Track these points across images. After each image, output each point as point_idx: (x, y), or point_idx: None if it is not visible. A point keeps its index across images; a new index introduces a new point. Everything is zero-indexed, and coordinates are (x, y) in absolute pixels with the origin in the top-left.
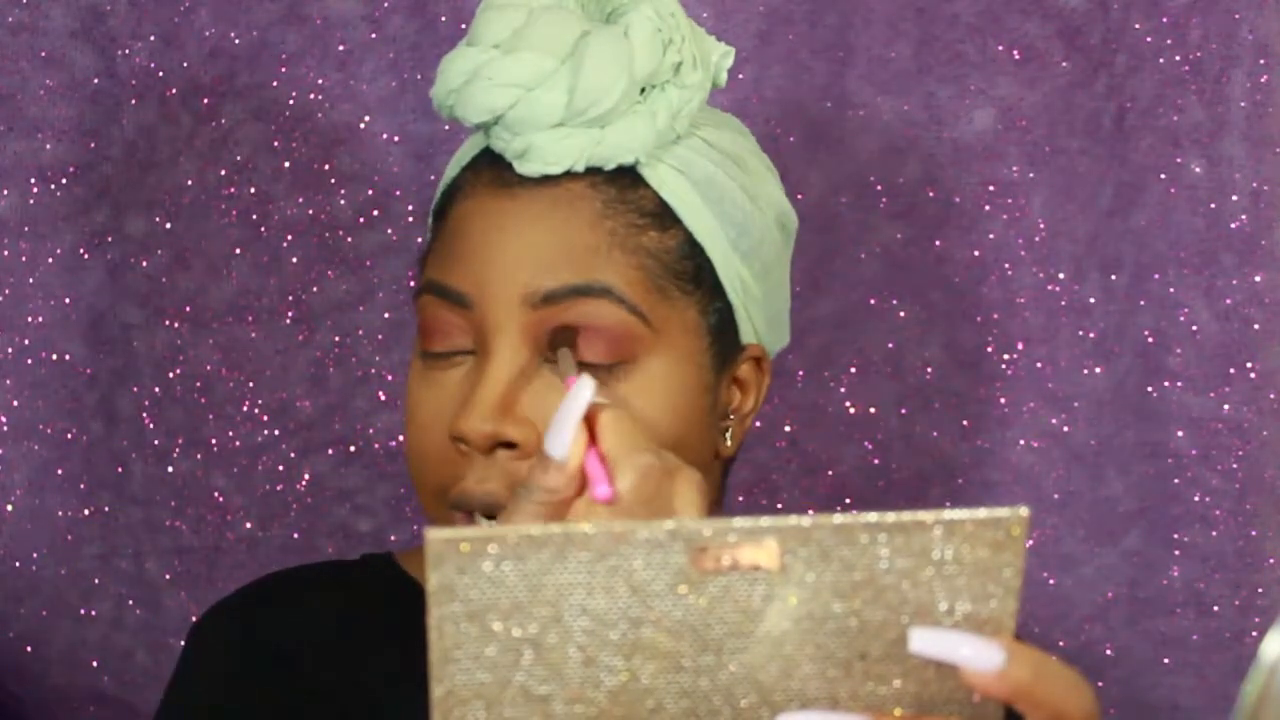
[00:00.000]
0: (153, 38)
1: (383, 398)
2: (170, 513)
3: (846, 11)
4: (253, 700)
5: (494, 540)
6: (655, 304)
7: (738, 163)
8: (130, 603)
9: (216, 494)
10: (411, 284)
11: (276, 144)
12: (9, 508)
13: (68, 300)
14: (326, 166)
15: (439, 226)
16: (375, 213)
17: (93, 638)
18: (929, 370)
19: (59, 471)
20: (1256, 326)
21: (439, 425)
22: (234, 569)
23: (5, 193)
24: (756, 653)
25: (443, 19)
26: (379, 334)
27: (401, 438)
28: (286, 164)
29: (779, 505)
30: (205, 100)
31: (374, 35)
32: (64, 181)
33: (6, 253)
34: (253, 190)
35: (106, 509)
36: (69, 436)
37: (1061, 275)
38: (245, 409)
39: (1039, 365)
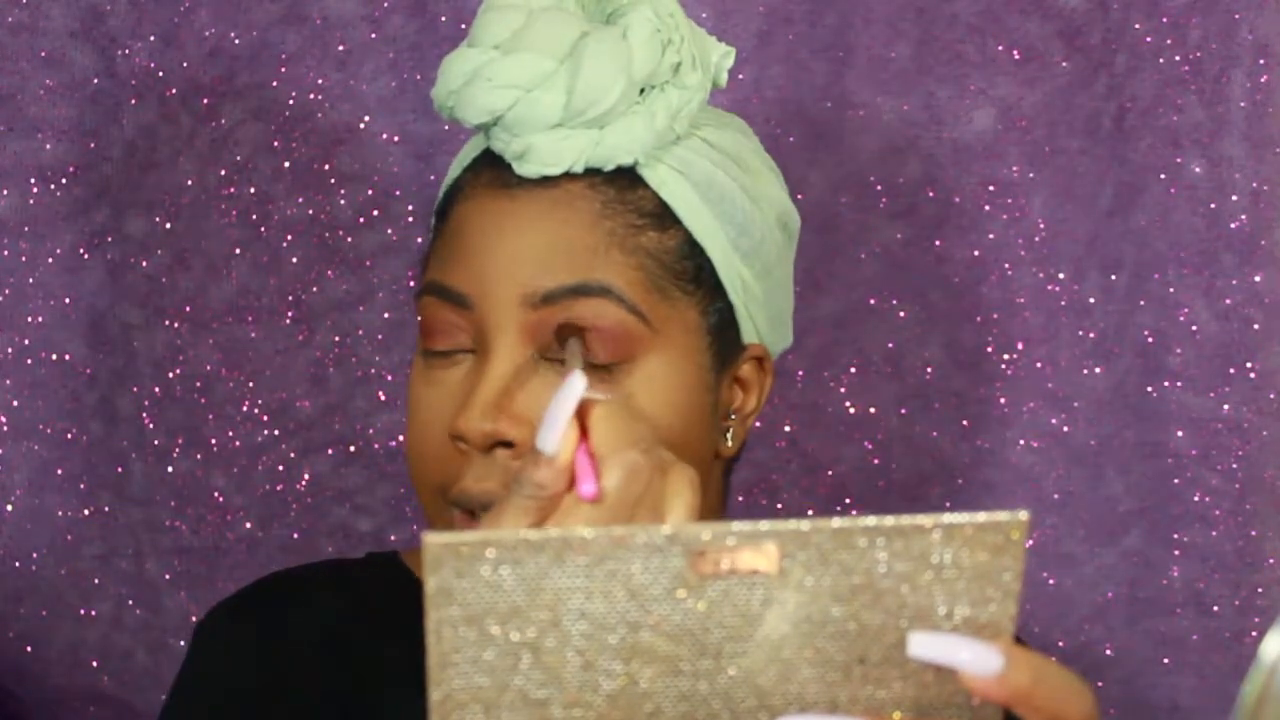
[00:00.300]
0: (153, 38)
1: (383, 398)
2: (170, 513)
3: (846, 11)
4: (255, 700)
5: (492, 544)
6: (654, 304)
7: (738, 163)
8: (130, 603)
9: (216, 494)
10: (411, 284)
11: (276, 144)
12: (9, 508)
13: (68, 300)
14: (326, 166)
15: (440, 227)
16: (375, 213)
17: (93, 638)
18: (929, 370)
19: (59, 471)
20: (1256, 326)
21: (439, 424)
22: (234, 569)
23: (5, 193)
24: (755, 657)
25: (443, 19)
26: (379, 334)
27: (401, 438)
28: (286, 164)
29: (779, 505)
30: (205, 100)
31: (374, 35)
32: (64, 181)
33: (6, 253)
34: (253, 190)
35: (106, 509)
36: (69, 436)
37: (1061, 275)
38: (245, 409)
39: (1039, 365)
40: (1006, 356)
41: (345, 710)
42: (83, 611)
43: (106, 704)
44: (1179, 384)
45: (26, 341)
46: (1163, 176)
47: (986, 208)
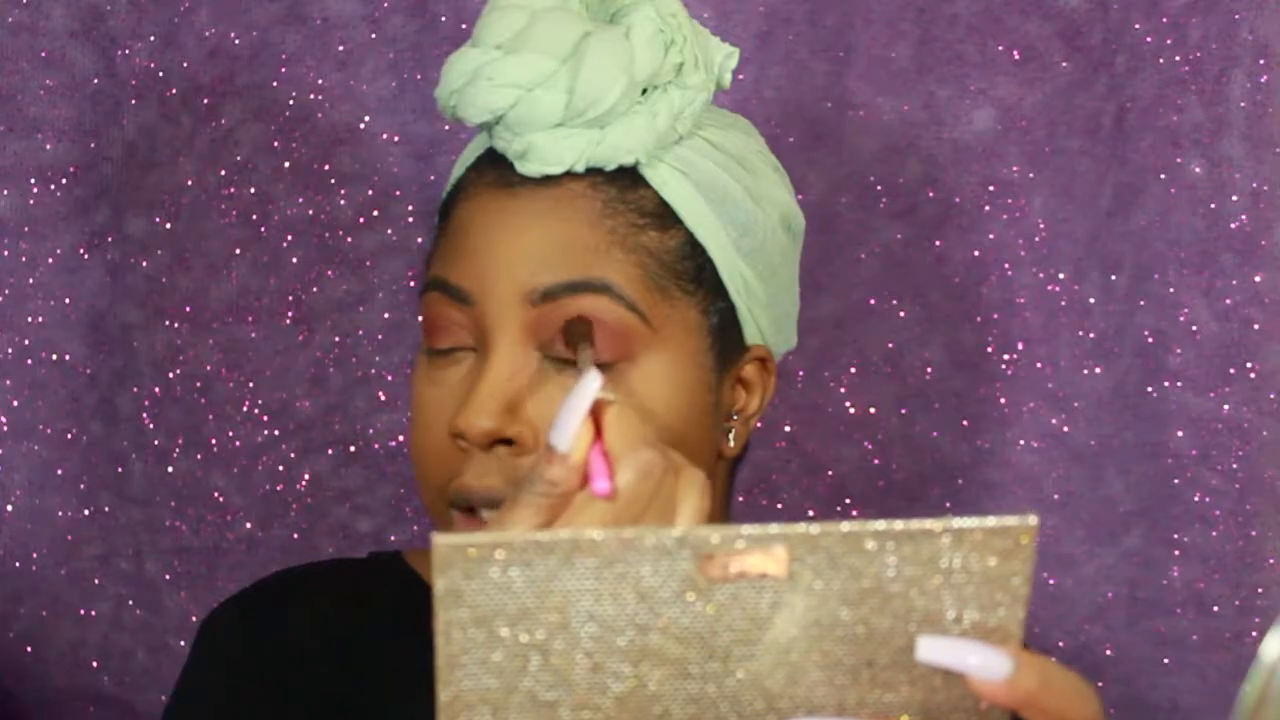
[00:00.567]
0: (153, 38)
1: (383, 398)
2: (170, 513)
3: (846, 11)
4: (260, 699)
5: (501, 546)
6: (655, 303)
7: (741, 163)
8: (130, 603)
9: (216, 494)
10: (412, 284)
11: (276, 144)
12: (9, 508)
13: (68, 300)
14: (326, 166)
15: (443, 225)
16: (375, 213)
17: (93, 638)
18: (929, 370)
19: (59, 471)
20: (1256, 326)
21: (441, 422)
22: (234, 569)
23: (5, 193)
24: (764, 660)
25: (443, 19)
26: (379, 334)
27: (402, 438)
28: (286, 164)
29: (779, 505)
30: (205, 100)
31: (374, 35)
32: (64, 181)
33: (6, 253)
34: (253, 190)
35: (106, 509)
36: (69, 436)
37: (1061, 275)
38: (245, 409)
39: (1039, 365)
40: (1006, 356)
41: (348, 710)
42: (83, 611)
43: (106, 704)
44: (1179, 384)
45: (26, 341)
46: (1163, 176)
47: (986, 208)
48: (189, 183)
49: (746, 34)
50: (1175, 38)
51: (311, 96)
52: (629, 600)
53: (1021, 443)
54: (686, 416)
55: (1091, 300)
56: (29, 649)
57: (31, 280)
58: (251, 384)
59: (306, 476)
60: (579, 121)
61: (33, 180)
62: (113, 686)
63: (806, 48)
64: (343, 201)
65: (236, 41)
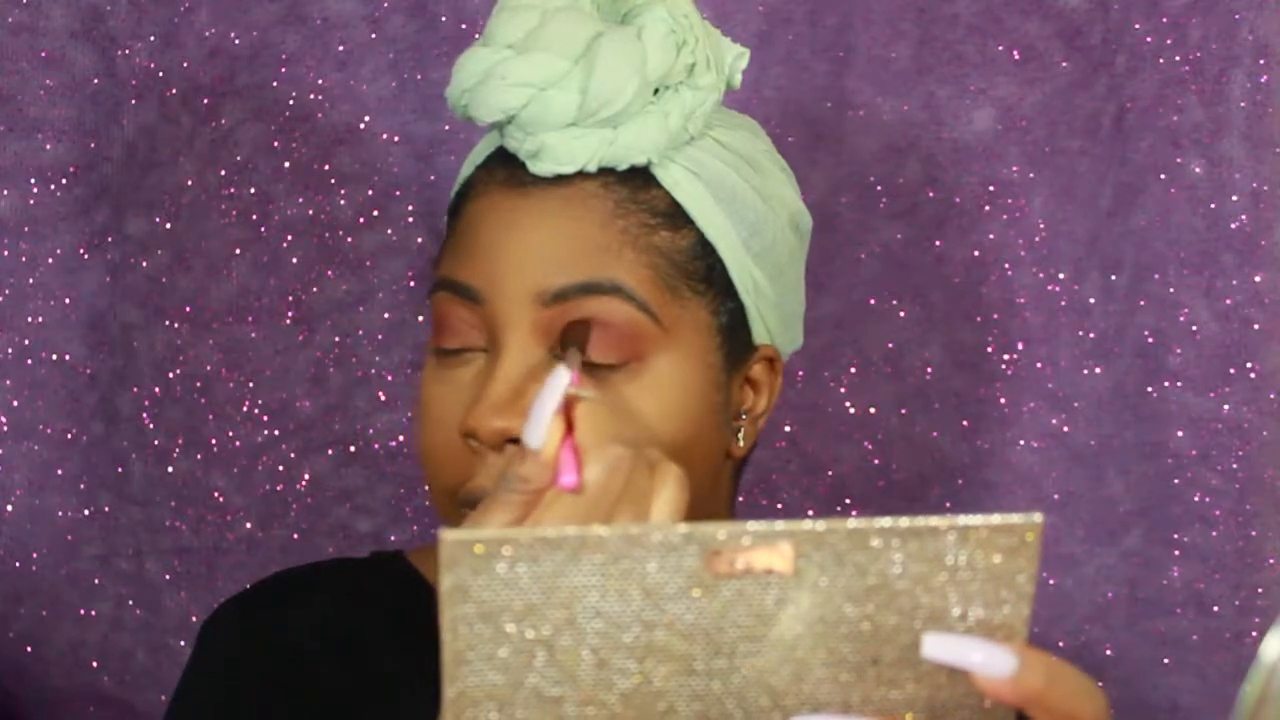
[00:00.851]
0: (153, 38)
1: (383, 398)
2: (170, 513)
3: (846, 11)
4: (262, 699)
5: (508, 542)
6: (666, 303)
7: (751, 164)
8: (130, 603)
9: (216, 494)
10: (412, 284)
11: (276, 144)
12: (9, 508)
13: (68, 300)
14: (326, 166)
15: (453, 224)
16: (375, 213)
17: (93, 638)
18: (929, 370)
19: (59, 471)
20: (1256, 326)
21: (451, 422)
22: (234, 569)
23: (5, 193)
24: (769, 656)
25: (443, 19)
26: (379, 334)
27: (402, 438)
28: (286, 164)
29: (779, 505)
30: (205, 100)
31: (374, 35)
32: (64, 181)
33: (6, 253)
34: (253, 190)
35: (106, 509)
36: (69, 436)
37: (1061, 275)
38: (245, 409)
39: (1039, 365)
40: (1006, 356)
41: (351, 709)
42: (83, 611)
43: (106, 704)
44: (1179, 384)
45: (26, 341)
46: (1163, 176)
47: (986, 208)
48: (189, 183)
49: (746, 34)
50: (1175, 38)
51: (311, 96)
52: (635, 596)
53: (1021, 443)
54: (696, 416)
55: (1091, 300)
56: (29, 649)
57: (31, 280)
58: (251, 384)
59: (306, 476)
60: (592, 121)
61: (33, 180)
62: (113, 686)
63: (806, 48)
64: (343, 201)
65: (236, 41)
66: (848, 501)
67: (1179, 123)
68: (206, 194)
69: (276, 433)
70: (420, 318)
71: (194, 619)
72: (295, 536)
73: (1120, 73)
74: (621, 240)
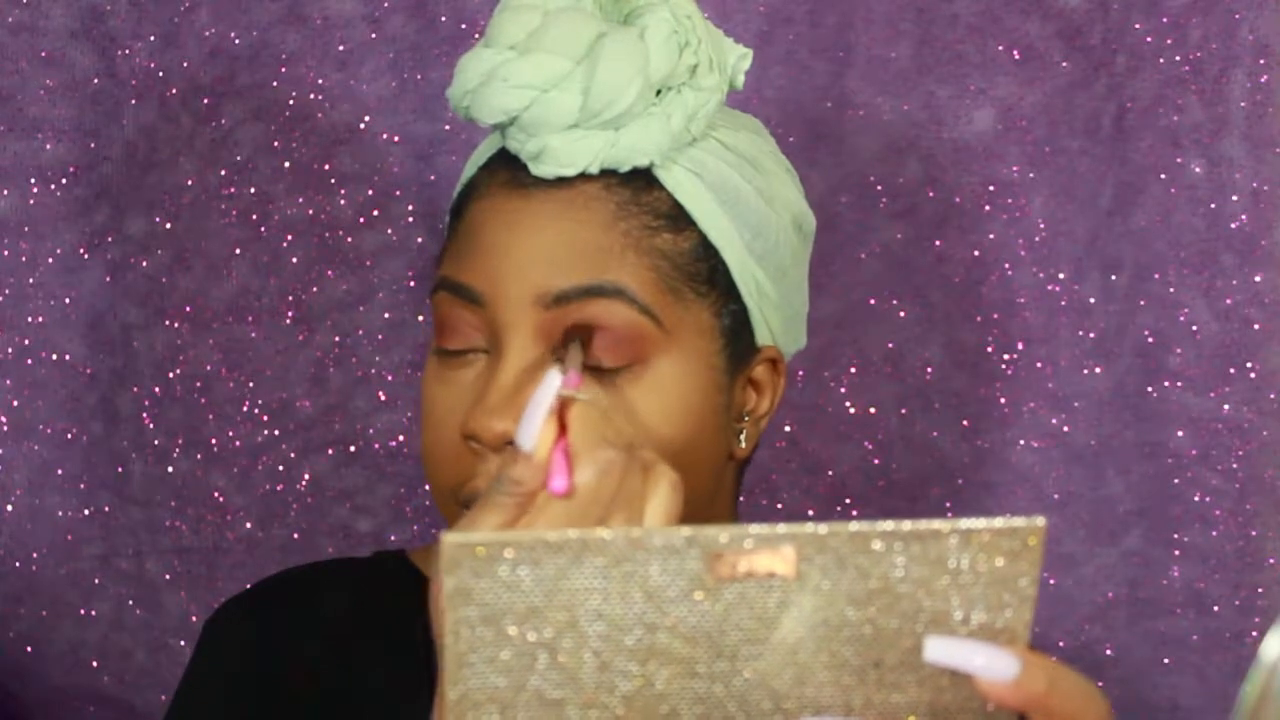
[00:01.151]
0: (153, 38)
1: (383, 398)
2: (170, 513)
3: (846, 11)
4: (263, 698)
5: (510, 545)
6: (668, 305)
7: (754, 165)
8: (130, 603)
9: (216, 494)
10: (412, 284)
11: (276, 144)
12: (9, 508)
13: (68, 300)
14: (326, 166)
15: (455, 225)
16: (375, 213)
17: (93, 638)
18: (929, 370)
19: (59, 471)
20: (1256, 326)
21: (452, 423)
22: (234, 569)
23: (5, 193)
24: (771, 659)
25: (443, 19)
26: (379, 334)
27: (402, 438)
28: (286, 164)
29: (779, 505)
30: (205, 100)
31: (374, 35)
32: (64, 181)
33: (6, 253)
34: (253, 190)
35: (106, 509)
36: (69, 436)
37: (1061, 275)
38: (245, 409)
39: (1039, 365)
40: (1006, 356)
41: (351, 709)
42: (83, 611)
43: (106, 704)
44: (1179, 384)
45: (26, 341)
46: (1163, 176)
47: (986, 208)
48: (189, 183)
49: (746, 34)
50: (1175, 38)
51: (311, 96)
52: (637, 599)
53: (1021, 443)
54: (698, 418)
55: (1091, 300)
56: (29, 649)
57: (31, 280)
58: (251, 384)
59: (306, 476)
60: (594, 123)
61: (33, 180)
62: (113, 686)
63: (806, 48)
64: (343, 201)
65: (236, 41)
66: (848, 501)
67: (1179, 123)
68: (206, 194)
69: (276, 433)
70: (420, 318)
71: (194, 619)
72: (295, 536)
73: (1120, 73)
74: (623, 242)
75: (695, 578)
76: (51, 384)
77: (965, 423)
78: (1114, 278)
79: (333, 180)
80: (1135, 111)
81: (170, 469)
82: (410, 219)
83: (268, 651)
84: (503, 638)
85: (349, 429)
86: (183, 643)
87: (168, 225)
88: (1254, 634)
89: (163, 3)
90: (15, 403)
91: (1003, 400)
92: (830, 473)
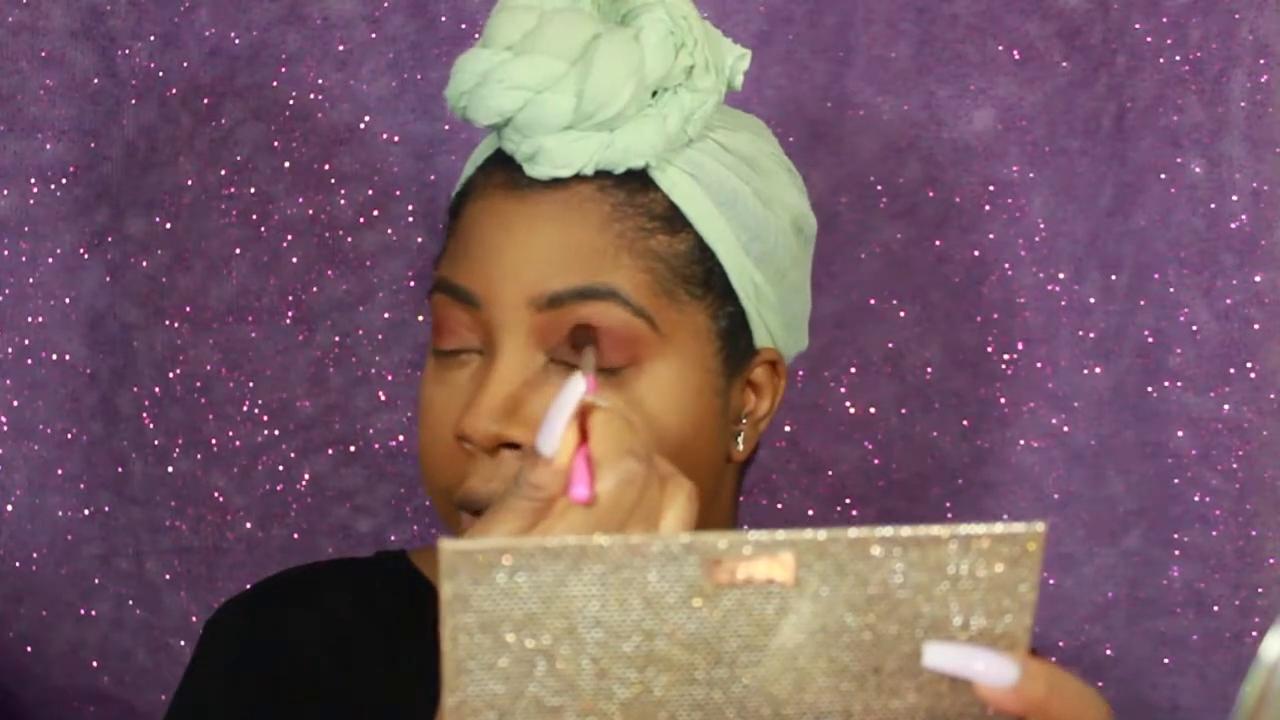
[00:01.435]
0: (153, 38)
1: (383, 398)
2: (170, 513)
3: (846, 11)
4: (264, 698)
5: (508, 551)
6: (663, 307)
7: (752, 166)
8: (130, 603)
9: (216, 494)
10: (412, 284)
11: (276, 144)
12: (9, 508)
13: (68, 300)
14: (326, 166)
15: (452, 225)
16: (375, 213)
17: (93, 638)
18: (929, 370)
19: (59, 471)
20: (1256, 326)
21: (447, 423)
22: (234, 569)
23: (5, 193)
24: (770, 666)
25: (443, 19)
26: (379, 334)
27: (402, 438)
28: (286, 164)
29: (779, 505)
30: (205, 100)
31: (374, 35)
32: (64, 181)
33: (6, 253)
34: (253, 190)
35: (106, 509)
36: (69, 436)
37: (1061, 275)
38: (245, 409)
39: (1039, 365)
40: (1006, 356)
41: (352, 709)
42: (83, 611)
43: (106, 704)
44: (1179, 384)
45: (26, 341)
46: (1163, 176)
47: (986, 208)
48: (189, 183)
49: (746, 34)
50: (1175, 38)
51: (311, 96)
52: (635, 606)
53: (1021, 443)
54: (694, 421)
55: (1091, 300)
56: (29, 649)
57: (31, 280)
58: (251, 384)
59: (306, 476)
60: (588, 124)
61: (33, 180)
62: (113, 686)
63: (806, 48)
64: (343, 201)
65: (236, 41)
66: (848, 502)
67: (1179, 123)
68: (206, 194)
69: (276, 433)
70: (420, 318)
71: (194, 619)
72: (295, 536)
73: (1120, 73)
74: (618, 244)
75: (694, 584)
76: (51, 384)
77: (965, 423)
78: (1114, 278)
79: (333, 180)
80: (1135, 111)
81: (170, 469)
82: (410, 219)
83: (267, 652)
84: (501, 645)
85: (349, 429)
86: (183, 643)
87: (168, 225)
88: (1254, 634)
89: (163, 3)
90: (15, 403)
91: (1003, 400)
92: (830, 473)
